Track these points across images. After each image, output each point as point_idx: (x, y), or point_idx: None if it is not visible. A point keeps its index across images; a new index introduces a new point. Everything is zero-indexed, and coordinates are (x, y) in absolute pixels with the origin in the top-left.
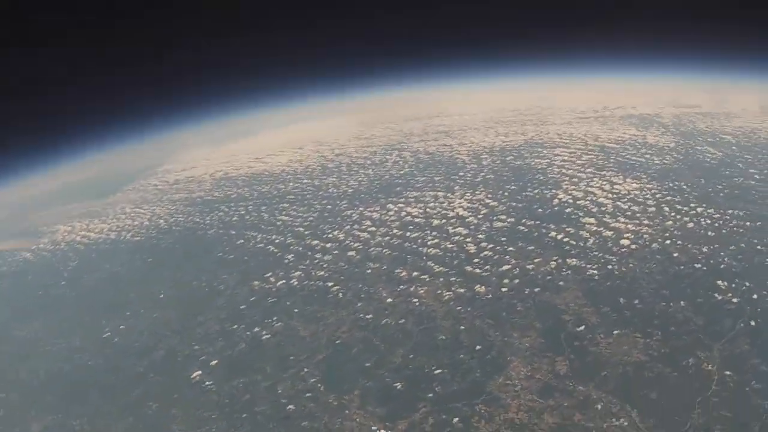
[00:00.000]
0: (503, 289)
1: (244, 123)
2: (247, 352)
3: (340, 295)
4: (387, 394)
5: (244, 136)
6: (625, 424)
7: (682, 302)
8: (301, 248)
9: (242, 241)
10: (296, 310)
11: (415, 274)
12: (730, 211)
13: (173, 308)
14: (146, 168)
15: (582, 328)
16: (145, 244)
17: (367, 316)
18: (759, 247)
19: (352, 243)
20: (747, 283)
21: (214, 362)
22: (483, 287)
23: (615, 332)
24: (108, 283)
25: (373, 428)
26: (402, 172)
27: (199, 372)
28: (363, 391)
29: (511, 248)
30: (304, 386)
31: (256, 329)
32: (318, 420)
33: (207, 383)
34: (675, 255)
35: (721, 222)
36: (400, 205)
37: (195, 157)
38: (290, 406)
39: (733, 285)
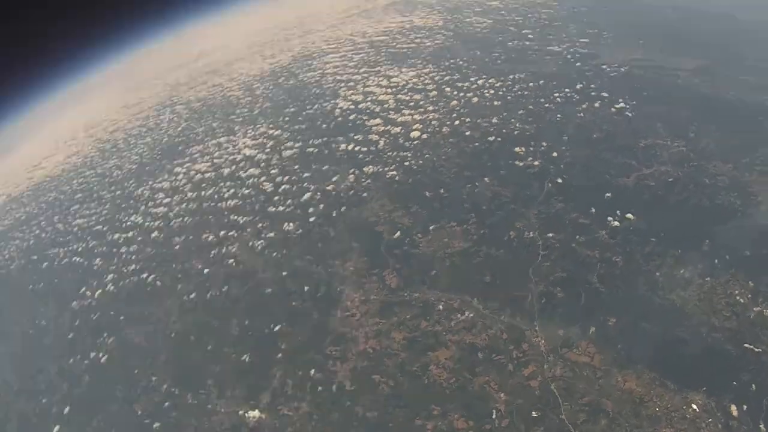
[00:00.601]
0: (311, 220)
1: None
2: (93, 383)
3: (158, 283)
4: (240, 372)
5: (8, 151)
6: (471, 315)
7: (486, 179)
8: (105, 248)
9: (46, 263)
10: (122, 318)
11: (222, 233)
12: (511, 77)
13: (6, 365)
14: None
15: (398, 234)
16: None
17: (191, 296)
18: (546, 105)
19: (152, 223)
20: (544, 143)
21: (66, 410)
22: (291, 224)
23: (431, 228)
24: None
25: (240, 412)
26: (179, 128)
27: (58, 427)
28: (220, 373)
29: (306, 174)
30: (160, 397)
31: (92, 354)
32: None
33: None
34: (467, 133)
35: (504, 90)
36: (187, 165)
37: None
38: (156, 424)
39: (531, 148)
